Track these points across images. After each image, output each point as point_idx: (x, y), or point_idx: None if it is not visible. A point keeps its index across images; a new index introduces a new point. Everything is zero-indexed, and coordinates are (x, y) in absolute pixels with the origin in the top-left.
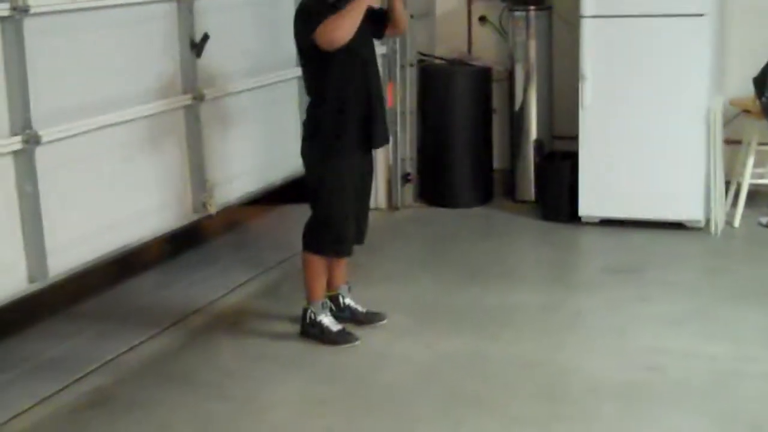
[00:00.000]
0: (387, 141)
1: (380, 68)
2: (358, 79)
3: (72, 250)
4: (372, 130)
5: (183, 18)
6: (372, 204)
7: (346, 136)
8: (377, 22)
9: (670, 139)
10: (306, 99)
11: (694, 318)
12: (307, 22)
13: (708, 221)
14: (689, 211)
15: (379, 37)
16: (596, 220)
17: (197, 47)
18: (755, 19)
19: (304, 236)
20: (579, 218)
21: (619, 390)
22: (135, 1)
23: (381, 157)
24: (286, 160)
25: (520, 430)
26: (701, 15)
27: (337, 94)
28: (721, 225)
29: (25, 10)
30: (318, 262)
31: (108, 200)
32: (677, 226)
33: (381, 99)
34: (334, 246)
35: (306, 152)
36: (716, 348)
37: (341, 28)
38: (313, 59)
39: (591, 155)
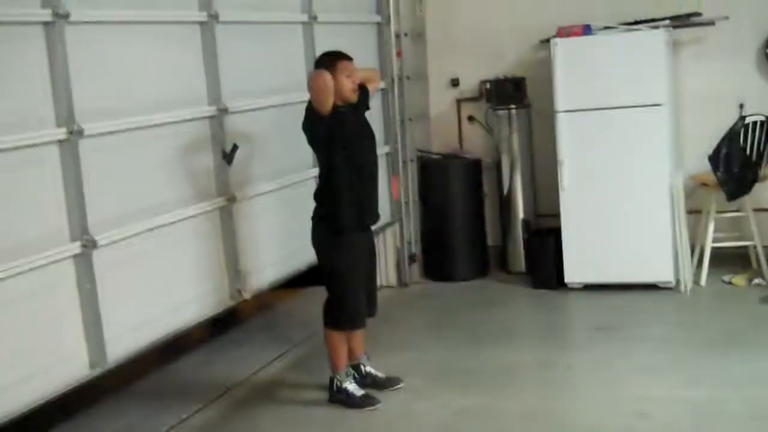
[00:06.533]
0: (378, 218)
1: (384, 164)
2: (353, 168)
3: (127, 337)
4: (364, 210)
5: (215, 132)
6: (384, 282)
7: (344, 217)
8: (362, 97)
9: (639, 212)
10: None
11: (674, 367)
12: (306, 109)
13: (678, 281)
14: (661, 273)
15: (368, 105)
16: (580, 286)
17: (228, 157)
18: (704, 107)
19: (324, 314)
20: (565, 285)
21: None
22: (174, 120)
23: (390, 240)
24: (308, 249)
25: None
26: (659, 105)
27: (335, 181)
28: (689, 284)
29: (80, 133)
30: (337, 336)
31: (157, 292)
32: (651, 287)
33: (372, 182)
34: (349, 320)
35: (314, 240)
36: (695, 393)
37: (313, 79)
38: (318, 148)
39: (572, 230)
